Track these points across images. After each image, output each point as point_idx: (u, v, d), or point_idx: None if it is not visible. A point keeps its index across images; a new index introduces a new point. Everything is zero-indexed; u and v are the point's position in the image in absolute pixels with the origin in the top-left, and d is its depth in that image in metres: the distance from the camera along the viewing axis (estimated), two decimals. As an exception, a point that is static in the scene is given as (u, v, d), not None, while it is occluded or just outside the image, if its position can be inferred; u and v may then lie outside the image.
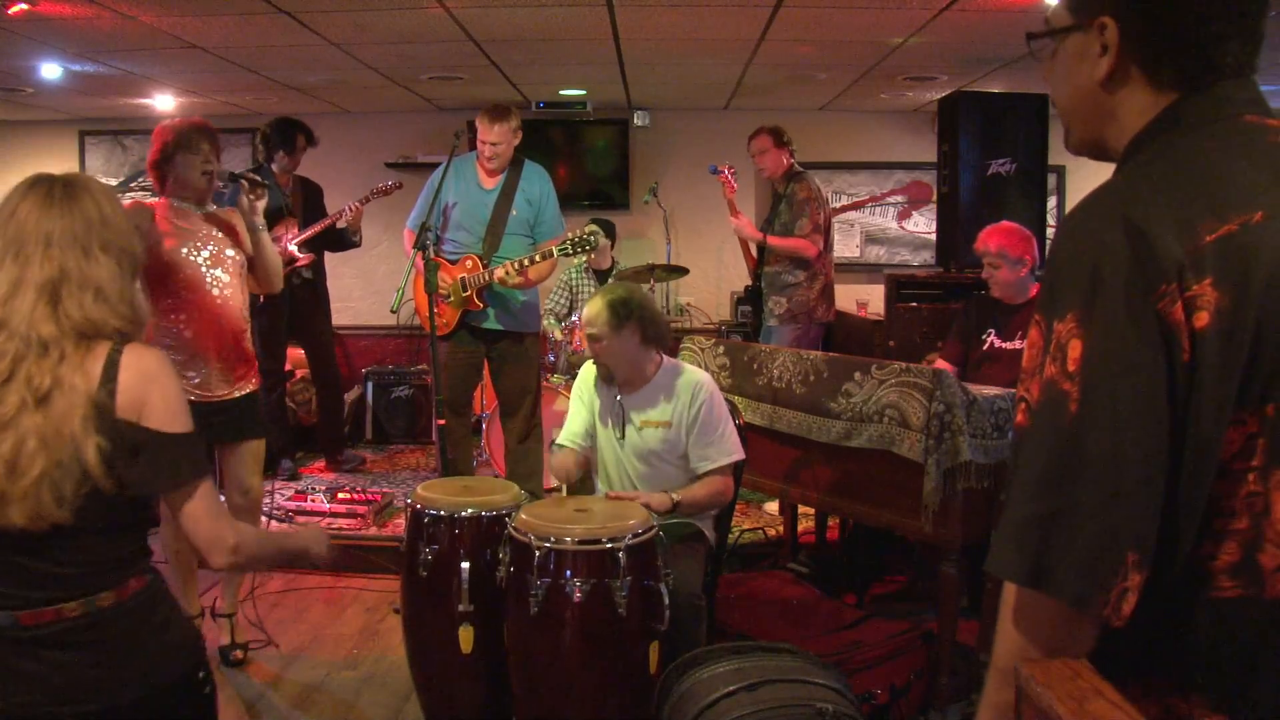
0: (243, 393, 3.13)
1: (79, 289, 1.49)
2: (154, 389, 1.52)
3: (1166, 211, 0.95)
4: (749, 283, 5.31)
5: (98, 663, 1.51)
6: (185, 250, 3.01)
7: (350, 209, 4.97)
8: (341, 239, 5.14)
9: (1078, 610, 0.95)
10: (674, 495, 2.83)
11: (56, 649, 1.48)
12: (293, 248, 4.95)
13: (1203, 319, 0.92)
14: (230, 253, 3.10)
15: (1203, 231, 0.94)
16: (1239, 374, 0.94)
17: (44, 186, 1.54)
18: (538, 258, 3.98)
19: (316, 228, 4.98)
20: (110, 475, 1.46)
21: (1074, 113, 1.14)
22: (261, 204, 3.12)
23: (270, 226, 4.99)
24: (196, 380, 3.01)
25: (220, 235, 3.10)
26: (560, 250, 3.92)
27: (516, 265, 3.96)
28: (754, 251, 5.14)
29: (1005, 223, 3.80)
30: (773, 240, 4.89)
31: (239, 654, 3.33)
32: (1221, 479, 0.96)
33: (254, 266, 3.20)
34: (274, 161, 5.06)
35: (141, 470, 1.50)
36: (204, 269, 3.03)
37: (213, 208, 3.14)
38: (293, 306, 5.09)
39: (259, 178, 3.14)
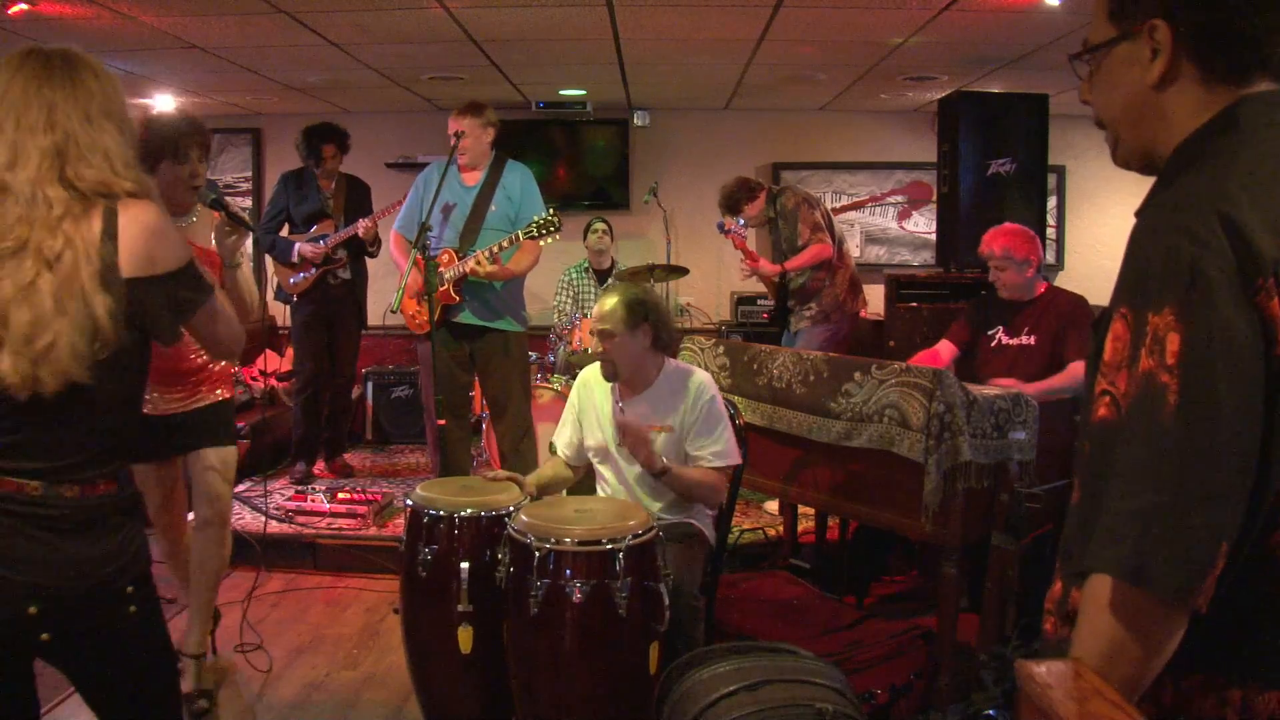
0: (200, 405, 2.92)
1: (88, 152, 1.53)
2: (157, 242, 1.56)
3: (1255, 209, 0.98)
4: (772, 305, 5.43)
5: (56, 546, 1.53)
6: None
7: (365, 223, 5.05)
8: (364, 248, 5.23)
9: (1179, 603, 0.96)
10: (670, 464, 2.78)
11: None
12: (324, 246, 5.01)
13: None
14: None
15: None
16: None
17: (40, 58, 1.56)
18: (505, 243, 3.97)
19: (340, 236, 5.06)
20: (123, 327, 1.51)
21: (1124, 121, 1.15)
22: (243, 244, 2.84)
23: (310, 227, 5.03)
24: (146, 397, 2.84)
25: None
26: (526, 234, 3.92)
27: (488, 253, 3.97)
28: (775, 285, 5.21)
29: (1007, 224, 3.79)
30: (790, 265, 4.96)
31: (203, 704, 2.81)
32: None
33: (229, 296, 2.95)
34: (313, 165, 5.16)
35: (156, 314, 1.57)
36: None
37: (195, 217, 2.93)
38: (328, 306, 5.18)
39: (241, 214, 2.83)
